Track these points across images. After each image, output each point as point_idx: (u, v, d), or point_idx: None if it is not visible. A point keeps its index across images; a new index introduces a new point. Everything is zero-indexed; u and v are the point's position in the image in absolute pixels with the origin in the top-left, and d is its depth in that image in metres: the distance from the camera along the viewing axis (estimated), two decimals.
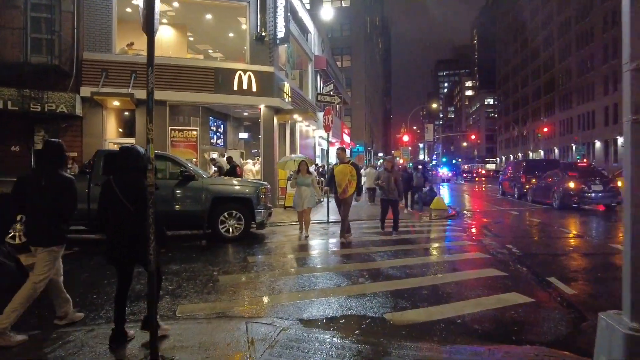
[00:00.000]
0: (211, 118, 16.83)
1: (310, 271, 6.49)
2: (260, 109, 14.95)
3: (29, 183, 3.81)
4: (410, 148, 32.98)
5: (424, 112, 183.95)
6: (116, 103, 13.53)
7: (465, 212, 15.87)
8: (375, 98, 72.88)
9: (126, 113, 14.48)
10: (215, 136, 17.31)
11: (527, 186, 19.12)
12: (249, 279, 6.02)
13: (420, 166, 19.82)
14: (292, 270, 6.57)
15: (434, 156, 70.71)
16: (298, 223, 9.72)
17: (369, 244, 8.85)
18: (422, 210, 15.34)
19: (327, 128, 12.70)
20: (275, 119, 15.42)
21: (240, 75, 14.39)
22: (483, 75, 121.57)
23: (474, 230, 11.09)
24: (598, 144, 48.08)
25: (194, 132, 14.29)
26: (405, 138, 33.07)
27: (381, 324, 4.26)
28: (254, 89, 14.54)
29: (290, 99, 16.52)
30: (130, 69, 13.52)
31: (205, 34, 18.27)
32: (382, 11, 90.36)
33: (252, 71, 14.57)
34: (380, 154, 68.24)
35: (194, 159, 13.98)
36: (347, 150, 13.78)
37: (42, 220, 3.79)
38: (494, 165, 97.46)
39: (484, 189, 32.59)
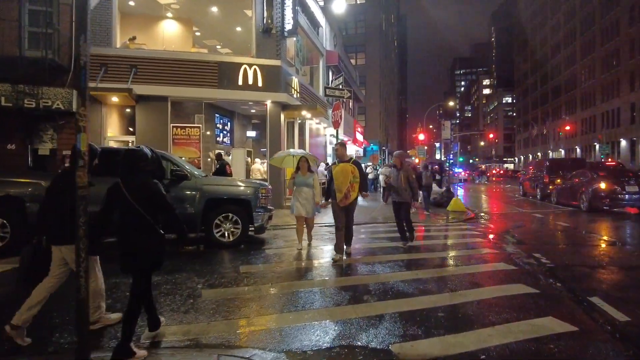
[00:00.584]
0: (217, 115, 16.15)
1: (307, 286, 5.66)
2: (266, 104, 14.19)
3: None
4: (426, 147, 31.87)
5: (440, 111, 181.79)
6: (115, 99, 12.91)
7: (484, 214, 14.84)
8: (391, 97, 71.69)
9: (127, 110, 13.87)
10: (221, 134, 16.63)
11: (550, 187, 17.96)
12: (236, 294, 5.22)
13: (430, 165, 18.89)
14: (286, 284, 5.72)
15: (451, 156, 69.18)
16: (296, 231, 8.25)
17: (378, 251, 7.99)
18: (429, 210, 14.35)
19: (335, 124, 11.90)
20: (282, 116, 14.64)
21: (245, 69, 13.65)
22: (501, 73, 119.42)
23: (495, 235, 10.11)
24: (623, 142, 46.07)
25: (197, 130, 13.59)
26: (421, 137, 31.96)
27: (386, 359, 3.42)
28: (260, 83, 13.78)
29: (298, 94, 15.74)
30: (130, 63, 12.90)
31: (211, 28, 17.62)
32: (398, 8, 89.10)
33: (258, 65, 13.82)
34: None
35: (197, 158, 13.30)
36: (346, 145, 12.77)
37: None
38: (512, 165, 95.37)
39: (503, 189, 31.32)
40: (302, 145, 17.91)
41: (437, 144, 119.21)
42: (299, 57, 19.16)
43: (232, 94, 13.65)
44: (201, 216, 7.94)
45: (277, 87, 14.03)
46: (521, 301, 4.84)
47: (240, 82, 13.59)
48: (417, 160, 35.29)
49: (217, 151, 14.33)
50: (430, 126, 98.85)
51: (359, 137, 27.64)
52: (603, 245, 8.75)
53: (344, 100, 20.11)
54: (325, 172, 19.45)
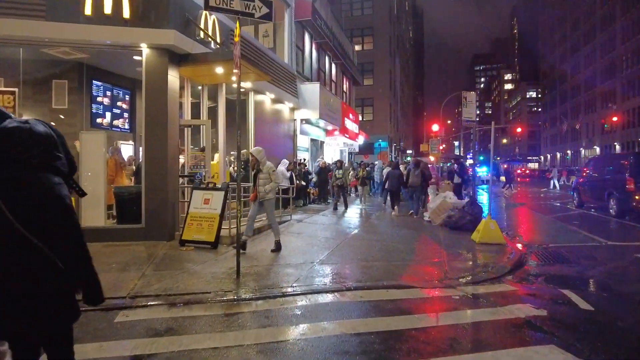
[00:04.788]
0: (96, 83, 10.04)
1: None
2: (141, 49, 7.94)
3: None
4: (440, 139, 25.25)
5: (459, 109, 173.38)
6: None
7: (537, 249, 8.36)
8: (405, 90, 64.81)
9: None
10: (108, 113, 10.51)
11: (638, 197, 11.32)
12: None
13: (421, 162, 13.03)
14: None
15: (470, 153, 62.01)
16: None
17: None
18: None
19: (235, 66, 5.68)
20: (173, 73, 8.34)
21: None
22: (524, 66, 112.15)
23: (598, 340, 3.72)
24: None
25: (10, 97, 7.47)
26: (435, 127, 25.30)
27: None
28: (126, 13, 7.57)
29: (220, 44, 9.42)
30: None
31: None
32: None
33: None
34: (409, 152, 60.30)
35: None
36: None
37: None
38: (537, 164, 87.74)
39: (540, 195, 24.40)
40: (242, 132, 11.65)
41: (456, 142, 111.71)
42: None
43: (72, 31, 7.43)
44: None
45: (162, 20, 7.78)
46: None
47: (88, 11, 7.40)
48: (432, 158, 28.70)
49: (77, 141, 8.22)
50: (449, 121, 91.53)
51: (351, 126, 21.16)
52: None
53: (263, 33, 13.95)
54: (288, 173, 13.14)
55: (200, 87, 10.10)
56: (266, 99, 12.71)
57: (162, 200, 7.94)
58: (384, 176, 14.89)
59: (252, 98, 11.69)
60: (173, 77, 8.26)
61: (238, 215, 5.96)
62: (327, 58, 20.04)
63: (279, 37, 15.08)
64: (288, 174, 13.16)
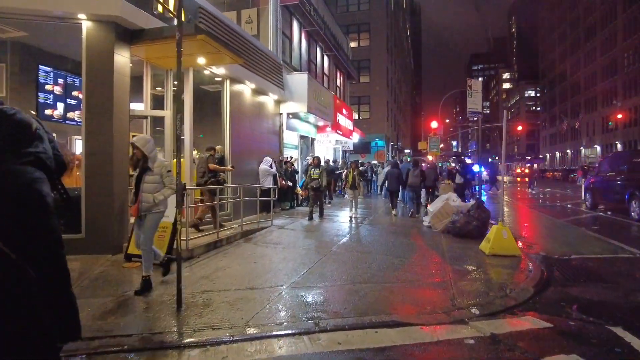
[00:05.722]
0: (44, 68, 8.61)
1: None
2: (80, 23, 6.52)
3: None
4: (439, 137, 23.91)
5: (457, 108, 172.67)
6: None
7: (557, 261, 6.99)
8: (402, 89, 63.48)
9: None
10: (60, 104, 9.07)
11: None
12: None
13: (420, 162, 11.93)
14: None
15: (468, 153, 60.73)
16: None
17: None
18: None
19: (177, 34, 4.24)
20: (123, 53, 6.94)
21: None
22: (523, 65, 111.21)
23: None
24: None
25: None
26: (434, 124, 23.94)
27: None
28: None
29: (179, 17, 8.01)
30: None
31: None
32: None
33: None
34: (407, 151, 59.10)
35: None
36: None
37: None
38: (536, 163, 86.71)
39: (546, 194, 23.09)
40: (213, 124, 10.23)
41: (454, 142, 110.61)
42: None
43: None
44: None
45: None
46: None
47: None
48: (430, 158, 27.36)
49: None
50: (447, 120, 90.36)
51: (344, 122, 19.74)
52: None
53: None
54: (273, 170, 11.77)
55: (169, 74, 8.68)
56: (246, 89, 11.28)
57: (106, 206, 6.53)
58: (385, 176, 13.69)
59: (228, 87, 10.27)
60: (122, 57, 6.84)
61: (179, 229, 4.55)
62: (318, 49, 18.63)
63: (263, 23, 13.68)
64: (273, 170, 11.81)
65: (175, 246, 4.58)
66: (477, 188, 14.96)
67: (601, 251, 7.82)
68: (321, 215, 11.57)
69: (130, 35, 6.92)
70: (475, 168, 16.38)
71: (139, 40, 7.00)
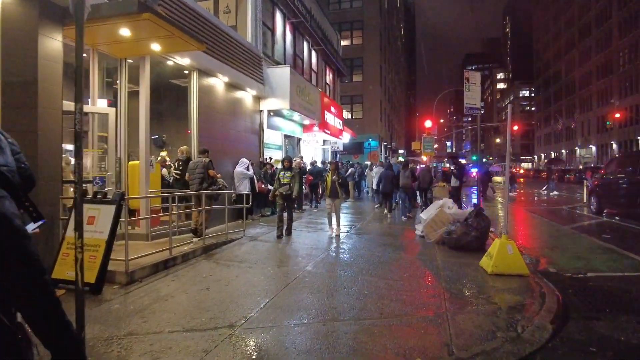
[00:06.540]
0: None
1: None
2: None
3: None
4: (434, 137, 22.84)
5: (452, 109, 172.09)
6: None
7: (571, 281, 5.92)
8: (396, 88, 62.47)
9: None
10: None
11: None
12: None
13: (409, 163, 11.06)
14: None
15: (463, 153, 59.85)
16: None
17: None
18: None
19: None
20: (52, 35, 5.78)
21: None
22: (517, 65, 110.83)
23: None
24: None
25: None
26: (428, 123, 22.84)
27: None
28: None
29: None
30: None
31: None
32: None
33: None
34: (401, 151, 58.19)
35: None
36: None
37: None
38: (531, 164, 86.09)
39: (543, 197, 22.09)
40: (178, 122, 9.08)
41: (449, 142, 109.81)
42: None
43: None
44: None
45: None
46: None
47: None
48: (424, 158, 26.27)
49: None
50: (441, 120, 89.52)
51: (333, 121, 18.60)
52: None
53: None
54: (250, 173, 10.64)
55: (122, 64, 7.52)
56: (218, 82, 10.13)
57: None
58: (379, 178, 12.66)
59: (196, 80, 9.12)
60: (51, 39, 5.67)
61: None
62: (305, 43, 17.50)
63: (242, 13, 12.55)
64: (250, 173, 10.69)
65: (77, 271, 3.14)
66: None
67: (621, 267, 6.75)
68: (289, 232, 9.04)
69: (61, 14, 5.76)
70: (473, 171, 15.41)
71: (72, 21, 5.83)
